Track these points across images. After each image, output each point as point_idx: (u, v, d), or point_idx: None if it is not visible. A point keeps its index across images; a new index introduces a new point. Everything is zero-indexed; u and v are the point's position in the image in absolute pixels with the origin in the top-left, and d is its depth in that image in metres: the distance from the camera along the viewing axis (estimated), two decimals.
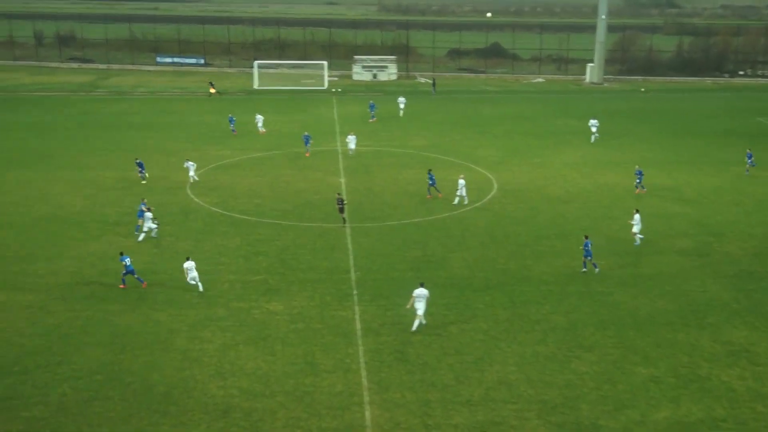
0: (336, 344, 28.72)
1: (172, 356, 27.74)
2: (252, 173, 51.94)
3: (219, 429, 23.58)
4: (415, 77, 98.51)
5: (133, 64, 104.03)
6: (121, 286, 33.30)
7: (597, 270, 35.48)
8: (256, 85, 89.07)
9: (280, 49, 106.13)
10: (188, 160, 50.30)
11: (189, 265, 32.89)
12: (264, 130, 63.99)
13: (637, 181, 48.13)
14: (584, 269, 35.55)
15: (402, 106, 72.48)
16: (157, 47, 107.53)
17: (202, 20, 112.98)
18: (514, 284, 34.28)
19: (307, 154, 56.57)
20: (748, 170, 52.59)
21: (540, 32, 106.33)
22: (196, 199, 45.94)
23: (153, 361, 27.37)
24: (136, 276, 33.22)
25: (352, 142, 56.14)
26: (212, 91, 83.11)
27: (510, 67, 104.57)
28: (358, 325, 30.22)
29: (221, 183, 49.50)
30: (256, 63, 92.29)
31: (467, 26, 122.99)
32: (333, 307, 31.79)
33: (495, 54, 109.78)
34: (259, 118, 64.62)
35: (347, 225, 41.26)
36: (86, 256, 37.05)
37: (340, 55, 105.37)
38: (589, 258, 35.35)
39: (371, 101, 72.29)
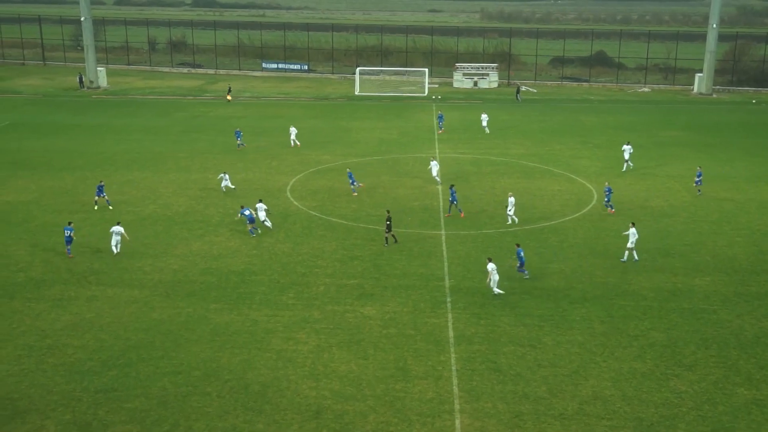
0: (428, 351, 28.71)
1: (267, 356, 28.34)
2: None
3: (311, 429, 23.93)
4: (516, 85, 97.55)
5: (239, 69, 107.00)
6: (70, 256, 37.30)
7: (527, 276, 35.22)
8: (357, 92, 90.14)
9: (382, 55, 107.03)
10: (224, 173, 49.29)
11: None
12: (298, 144, 61.48)
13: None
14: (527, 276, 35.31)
15: (485, 123, 68.48)
16: (263, 53, 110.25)
17: (307, 27, 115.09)
18: (613, 298, 33.45)
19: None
20: None
21: (647, 40, 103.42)
22: (295, 203, 46.82)
23: (249, 360, 28.04)
24: (68, 247, 36.67)
25: (434, 167, 50.83)
26: (228, 98, 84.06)
27: (614, 75, 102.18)
28: (451, 333, 30.13)
29: (320, 187, 50.28)
30: (358, 69, 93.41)
31: (571, 34, 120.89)
32: (426, 314, 31.81)
33: (599, 62, 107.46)
34: (293, 131, 62.20)
35: (387, 243, 39.74)
36: (189, 255, 38.31)
37: (441, 62, 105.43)
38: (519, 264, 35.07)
39: (440, 112, 70.98)
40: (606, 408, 25.00)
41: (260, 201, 42.60)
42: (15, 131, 67.17)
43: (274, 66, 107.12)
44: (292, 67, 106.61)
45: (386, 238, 39.68)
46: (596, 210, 45.75)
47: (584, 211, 45.65)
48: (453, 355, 28.40)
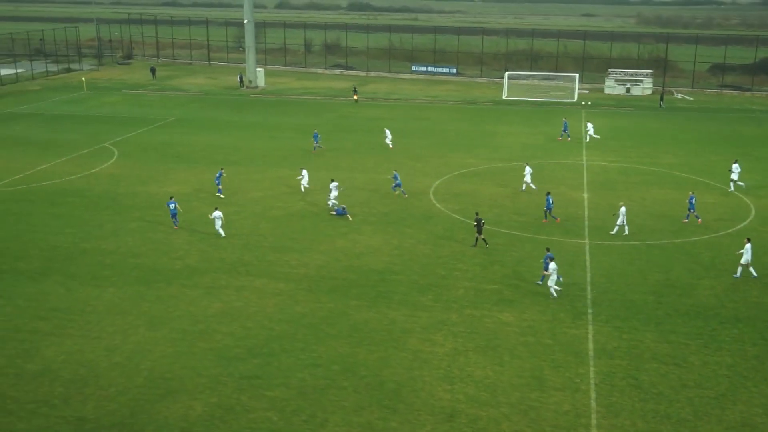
0: (566, 362, 28.18)
1: (403, 355, 28.73)
2: (494, 182, 52.29)
3: None
4: (671, 93, 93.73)
5: (389, 71, 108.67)
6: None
7: (540, 282, 34.67)
8: (504, 96, 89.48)
9: (532, 60, 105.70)
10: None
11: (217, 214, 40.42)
12: (391, 146, 62.12)
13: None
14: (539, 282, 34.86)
15: (591, 131, 65.65)
16: (412, 56, 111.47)
17: (458, 31, 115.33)
18: None
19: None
20: None
21: None
22: (437, 205, 47.11)
23: (386, 358, 28.52)
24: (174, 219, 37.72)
25: (528, 173, 49.79)
26: (355, 98, 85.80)
27: None
28: (591, 346, 29.43)
29: (463, 190, 50.33)
30: (506, 74, 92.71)
31: (734, 40, 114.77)
32: (565, 324, 31.22)
33: (764, 70, 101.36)
34: (388, 133, 62.52)
35: (476, 245, 39.66)
36: (333, 251, 39.38)
37: (593, 67, 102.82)
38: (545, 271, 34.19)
39: (564, 119, 68.74)
40: None
41: (333, 181, 46.05)
42: (180, 126, 71.30)
43: (423, 69, 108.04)
44: (441, 70, 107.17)
45: (476, 239, 39.72)
46: (753, 225, 43.32)
47: (740, 226, 43.33)
48: (592, 369, 27.74)
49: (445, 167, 56.29)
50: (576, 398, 25.82)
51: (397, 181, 48.65)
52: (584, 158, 59.23)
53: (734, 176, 50.59)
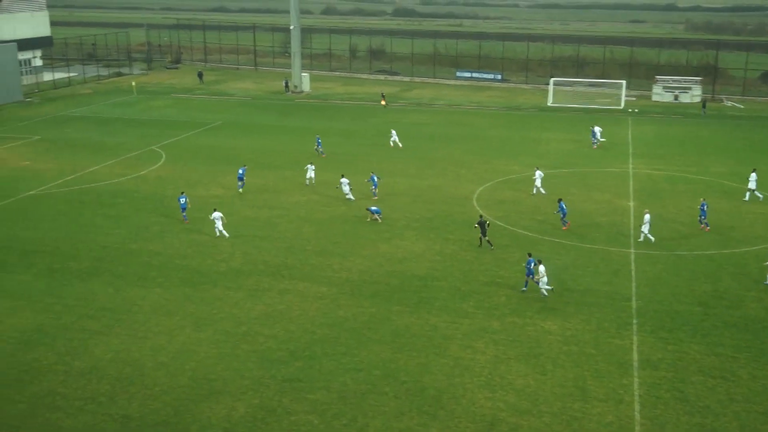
0: (610, 372, 27.87)
1: (444, 362, 28.69)
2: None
3: None
4: (721, 101, 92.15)
5: (434, 77, 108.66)
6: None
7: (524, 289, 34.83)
8: (549, 102, 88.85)
9: (578, 66, 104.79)
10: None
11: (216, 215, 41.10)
12: (400, 145, 64.22)
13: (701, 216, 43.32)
14: (524, 288, 35.03)
15: (598, 135, 65.43)
16: (457, 62, 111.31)
17: (503, 37, 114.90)
18: None
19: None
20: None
21: None
22: (481, 211, 46.95)
23: (427, 364, 28.52)
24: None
25: (539, 177, 50.39)
26: (383, 102, 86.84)
27: None
28: (635, 356, 29.06)
29: (507, 197, 50.11)
30: (552, 80, 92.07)
31: None
32: (610, 334, 30.87)
33: None
34: (394, 133, 65.38)
35: (481, 245, 39.91)
36: (375, 256, 39.50)
37: (641, 74, 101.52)
38: (530, 277, 34.68)
39: (594, 126, 67.20)
40: None
41: (343, 176, 48.67)
42: (227, 130, 72.20)
43: (468, 75, 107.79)
44: (485, 76, 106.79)
45: (480, 240, 40.39)
46: None
47: None
48: (636, 380, 27.39)
49: (489, 174, 56.10)
50: (619, 410, 25.51)
51: (374, 183, 49.38)
52: (630, 166, 58.52)
53: (752, 185, 49.62)
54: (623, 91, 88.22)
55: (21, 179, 53.78)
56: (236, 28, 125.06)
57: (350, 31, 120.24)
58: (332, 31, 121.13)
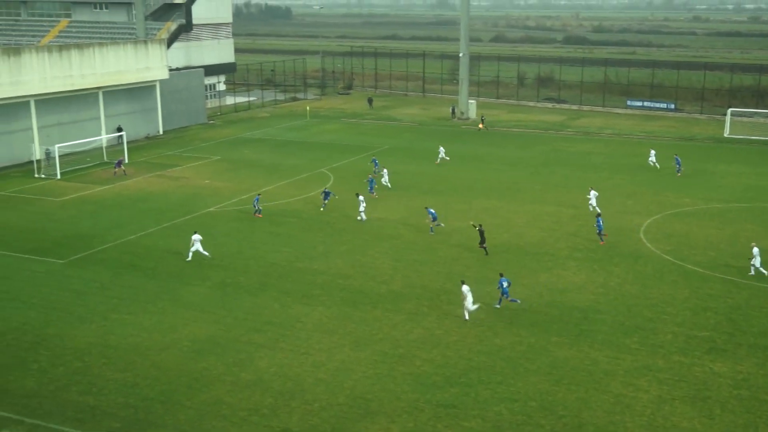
0: None
1: (604, 398, 27.86)
2: (710, 224, 49.47)
3: None
4: None
5: (603, 106, 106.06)
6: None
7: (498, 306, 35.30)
8: (726, 133, 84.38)
9: (758, 97, 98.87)
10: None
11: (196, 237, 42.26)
12: (447, 158, 69.19)
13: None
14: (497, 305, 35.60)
15: (652, 158, 66.51)
16: (628, 91, 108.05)
17: (677, 65, 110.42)
18: None
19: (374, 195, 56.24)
20: None
21: None
22: (648, 245, 45.29)
23: (586, 399, 27.80)
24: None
25: (593, 197, 52.20)
26: (480, 126, 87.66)
27: None
28: None
29: (676, 231, 48.03)
30: (729, 110, 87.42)
31: None
32: None
33: None
34: (441, 150, 70.03)
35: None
36: (536, 285, 39.00)
37: None
38: (505, 296, 35.28)
39: (676, 155, 65.76)
40: None
41: (358, 195, 51.63)
42: (392, 155, 73.68)
43: (639, 104, 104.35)
44: (657, 105, 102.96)
45: (482, 246, 43.24)
46: None
47: None
48: None
49: (658, 206, 54.01)
50: None
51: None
52: None
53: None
54: None
55: (201, 196, 57.42)
56: (407, 55, 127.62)
57: (518, 59, 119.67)
58: (500, 58, 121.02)
